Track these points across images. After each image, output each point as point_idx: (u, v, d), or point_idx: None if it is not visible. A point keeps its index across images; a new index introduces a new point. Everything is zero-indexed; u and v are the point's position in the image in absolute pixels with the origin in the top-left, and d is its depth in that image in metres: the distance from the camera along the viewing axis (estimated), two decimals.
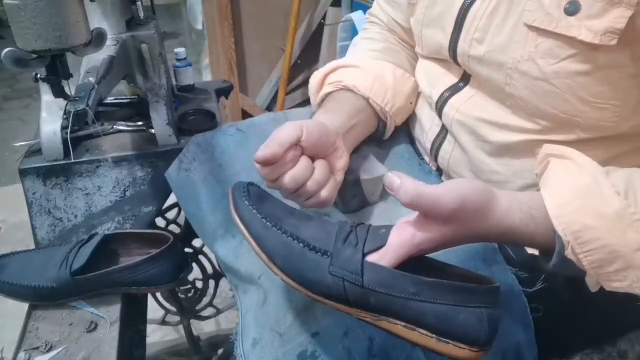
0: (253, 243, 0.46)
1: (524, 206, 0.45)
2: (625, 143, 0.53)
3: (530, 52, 0.49)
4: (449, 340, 0.40)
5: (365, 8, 1.66)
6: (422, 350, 0.47)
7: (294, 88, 2.20)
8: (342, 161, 0.57)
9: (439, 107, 0.63)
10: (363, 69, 0.66)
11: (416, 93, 0.70)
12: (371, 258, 0.42)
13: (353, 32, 1.75)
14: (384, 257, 0.42)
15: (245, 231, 0.47)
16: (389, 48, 0.73)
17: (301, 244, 0.44)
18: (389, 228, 0.44)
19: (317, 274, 0.43)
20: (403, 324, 0.41)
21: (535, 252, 0.52)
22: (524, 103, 0.52)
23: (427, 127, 0.66)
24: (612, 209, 0.42)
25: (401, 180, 0.41)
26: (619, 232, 0.42)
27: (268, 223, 0.46)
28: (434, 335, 0.41)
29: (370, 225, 0.46)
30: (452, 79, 0.62)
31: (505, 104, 0.54)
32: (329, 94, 0.67)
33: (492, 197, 0.44)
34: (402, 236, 0.42)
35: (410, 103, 0.69)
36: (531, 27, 0.49)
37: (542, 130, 0.53)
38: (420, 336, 0.41)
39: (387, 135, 0.70)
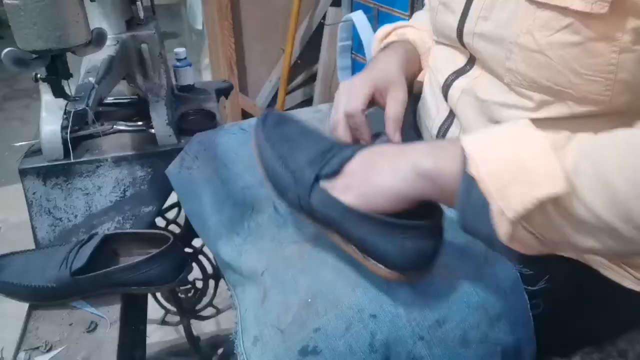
0: (260, 165, 0.56)
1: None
2: (621, 120, 0.52)
3: (529, 25, 0.51)
4: (371, 259, 0.48)
5: (365, 8, 1.65)
6: (424, 348, 0.48)
7: (294, 88, 2.20)
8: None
9: (445, 90, 0.66)
10: (423, 32, 0.78)
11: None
12: (323, 183, 0.49)
13: (353, 32, 1.75)
14: (335, 186, 0.48)
15: (256, 154, 0.56)
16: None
17: (281, 165, 0.53)
18: (354, 149, 0.50)
19: (284, 188, 0.53)
20: (341, 237, 0.49)
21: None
22: (521, 77, 0.54)
23: (434, 114, 0.69)
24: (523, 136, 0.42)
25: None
26: (522, 142, 0.41)
27: (269, 147, 0.55)
28: (360, 253, 0.49)
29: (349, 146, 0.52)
30: (458, 63, 0.65)
31: (504, 80, 0.56)
32: (394, 42, 0.78)
33: None
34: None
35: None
36: (531, 1, 0.51)
37: (536, 106, 0.54)
38: (353, 252, 0.49)
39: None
